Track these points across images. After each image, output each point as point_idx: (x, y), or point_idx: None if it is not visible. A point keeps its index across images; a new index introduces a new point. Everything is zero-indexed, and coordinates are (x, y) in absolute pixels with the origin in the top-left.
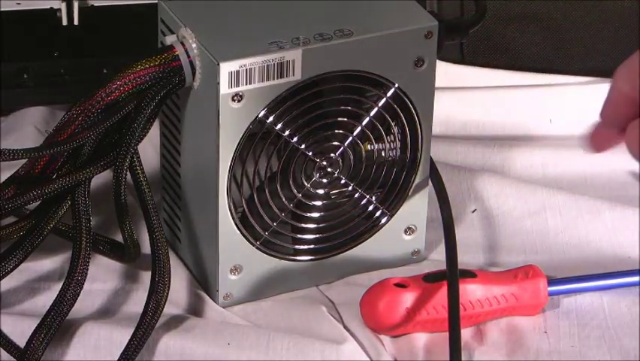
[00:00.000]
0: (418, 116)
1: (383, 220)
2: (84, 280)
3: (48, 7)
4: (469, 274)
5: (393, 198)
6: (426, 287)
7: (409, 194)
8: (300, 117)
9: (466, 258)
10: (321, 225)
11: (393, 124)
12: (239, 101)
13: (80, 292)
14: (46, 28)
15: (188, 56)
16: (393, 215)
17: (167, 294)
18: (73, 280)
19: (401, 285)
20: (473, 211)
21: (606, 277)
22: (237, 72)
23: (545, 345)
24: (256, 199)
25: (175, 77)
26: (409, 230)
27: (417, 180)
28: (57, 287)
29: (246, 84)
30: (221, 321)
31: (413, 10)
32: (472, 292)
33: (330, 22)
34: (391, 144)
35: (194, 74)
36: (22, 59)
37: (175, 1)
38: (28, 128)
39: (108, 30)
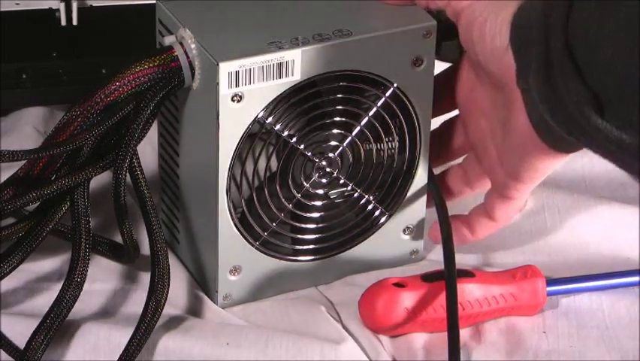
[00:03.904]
0: (416, 116)
1: (382, 220)
2: (83, 281)
3: (47, 7)
4: (468, 274)
5: (392, 197)
6: (424, 287)
7: (408, 194)
8: (299, 117)
9: (465, 258)
10: (320, 225)
11: (391, 124)
12: (238, 101)
13: (79, 293)
14: (45, 28)
15: (187, 57)
16: (392, 215)
17: (167, 295)
18: (72, 282)
19: (399, 285)
20: None
21: (605, 277)
22: (237, 72)
23: (544, 345)
24: (255, 199)
25: (174, 77)
26: (407, 230)
27: (415, 180)
28: (56, 288)
29: (246, 84)
30: (220, 321)
31: (411, 10)
32: (470, 291)
33: (328, 22)
34: (390, 143)
35: (193, 74)
36: (21, 59)
37: (173, 1)
38: (27, 128)
39: (107, 30)
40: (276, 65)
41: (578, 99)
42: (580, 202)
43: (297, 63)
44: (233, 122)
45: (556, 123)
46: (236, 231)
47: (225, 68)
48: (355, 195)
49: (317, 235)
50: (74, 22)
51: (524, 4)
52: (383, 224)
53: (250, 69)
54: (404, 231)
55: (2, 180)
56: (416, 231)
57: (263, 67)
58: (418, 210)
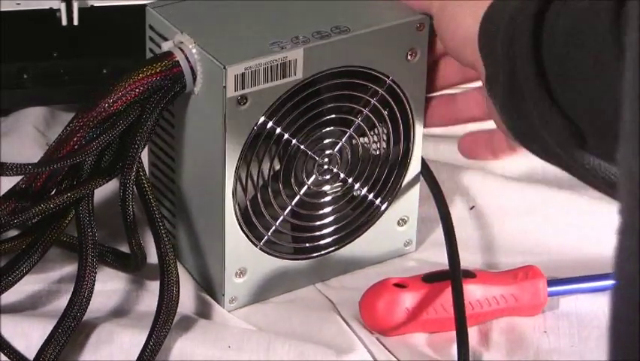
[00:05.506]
0: (410, 107)
1: (379, 213)
2: (91, 294)
3: (48, 7)
4: (469, 274)
5: (388, 190)
6: (425, 287)
7: (402, 185)
8: (300, 117)
9: (465, 258)
10: (320, 221)
11: (386, 116)
12: (244, 103)
13: (87, 306)
14: (46, 28)
15: (189, 62)
16: (388, 207)
17: (177, 304)
18: (79, 295)
19: (400, 285)
20: (472, 208)
21: (606, 277)
22: (242, 75)
23: (545, 345)
24: (259, 200)
25: (176, 83)
26: (401, 221)
27: (409, 171)
28: (61, 293)
29: (251, 86)
30: (223, 324)
31: (403, 4)
32: (471, 292)
33: (325, 19)
34: (385, 136)
35: (194, 79)
36: (22, 59)
37: (164, 7)
38: (28, 128)
39: (107, 30)
40: (279, 65)
41: (558, 131)
42: (581, 202)
43: (300, 62)
44: (240, 125)
45: (531, 151)
46: (242, 232)
47: (232, 71)
48: (354, 189)
49: (318, 233)
50: (75, 22)
51: (493, 4)
52: (380, 217)
53: (255, 71)
54: (398, 222)
55: (3, 184)
56: (410, 222)
57: (267, 68)
58: (411, 201)
